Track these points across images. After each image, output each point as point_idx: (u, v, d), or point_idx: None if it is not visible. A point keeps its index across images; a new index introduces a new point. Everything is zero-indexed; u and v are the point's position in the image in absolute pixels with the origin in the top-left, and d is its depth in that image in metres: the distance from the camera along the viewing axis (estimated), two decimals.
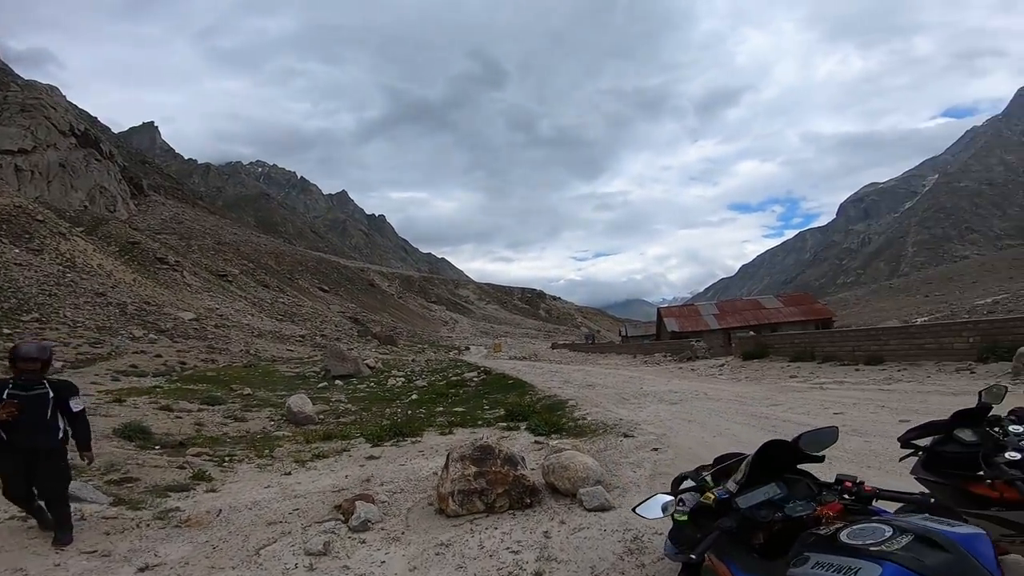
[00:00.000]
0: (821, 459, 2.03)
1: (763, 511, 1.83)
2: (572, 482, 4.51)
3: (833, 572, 1.42)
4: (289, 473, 6.49)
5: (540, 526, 4.11)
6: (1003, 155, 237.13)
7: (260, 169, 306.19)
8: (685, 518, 2.68)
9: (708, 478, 2.81)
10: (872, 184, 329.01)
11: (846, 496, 1.82)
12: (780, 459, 2.02)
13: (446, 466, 4.65)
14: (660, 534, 3.65)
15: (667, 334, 39.24)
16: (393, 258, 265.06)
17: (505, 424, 8.96)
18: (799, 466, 2.06)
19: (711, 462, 3.06)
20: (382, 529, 4.32)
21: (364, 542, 4.09)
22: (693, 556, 1.81)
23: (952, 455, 2.38)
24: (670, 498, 2.23)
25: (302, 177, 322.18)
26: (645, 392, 11.82)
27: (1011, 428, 2.33)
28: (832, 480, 1.93)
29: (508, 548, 3.78)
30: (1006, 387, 2.68)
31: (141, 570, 3.77)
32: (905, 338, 13.32)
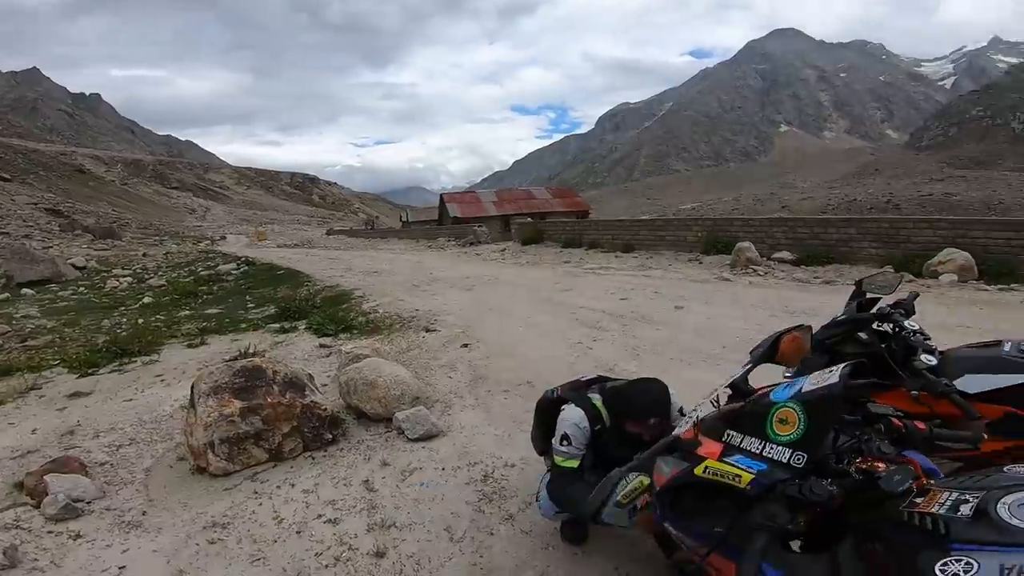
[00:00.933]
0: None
1: (817, 484, 1.19)
2: (384, 403, 3.61)
3: None
4: None
5: (356, 473, 3.12)
6: (720, 95, 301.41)
7: None
8: (575, 464, 2.08)
9: (599, 404, 2.19)
10: (625, 103, 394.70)
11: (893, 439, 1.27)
12: None
13: (192, 405, 3.27)
14: (513, 466, 3.05)
15: (449, 219, 39.66)
16: (114, 140, 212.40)
17: (278, 325, 7.44)
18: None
19: (589, 377, 2.48)
20: (107, 510, 2.87)
21: (80, 536, 2.64)
22: None
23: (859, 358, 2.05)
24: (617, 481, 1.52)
25: None
26: (436, 278, 11.38)
27: (907, 324, 1.97)
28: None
29: (320, 516, 2.73)
30: (901, 275, 2.33)
31: None
32: (652, 230, 15.49)
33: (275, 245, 35.16)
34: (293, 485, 3.03)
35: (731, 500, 1.36)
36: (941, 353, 1.94)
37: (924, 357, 1.84)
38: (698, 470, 1.41)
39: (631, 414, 2.07)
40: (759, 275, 9.68)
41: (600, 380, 2.39)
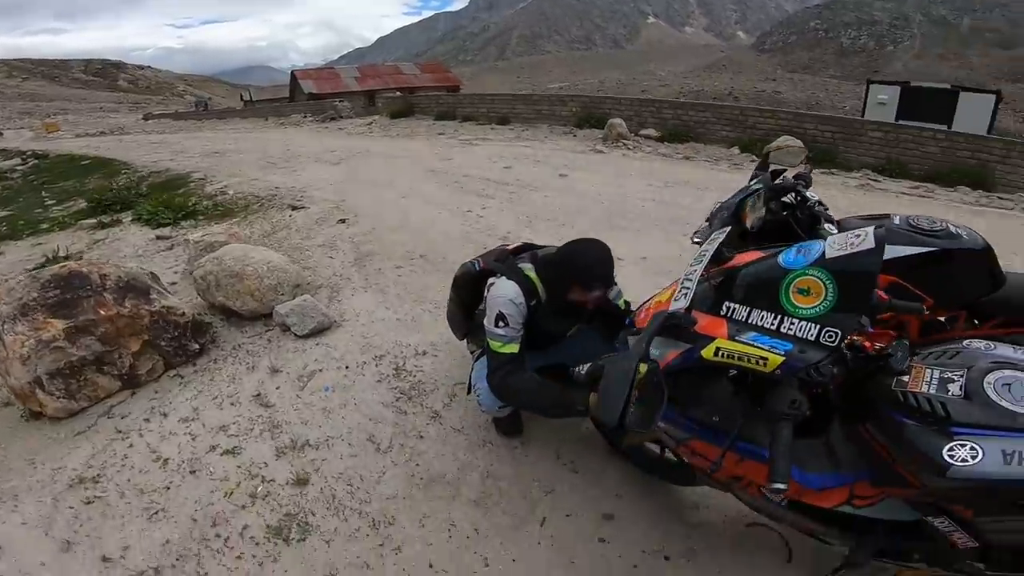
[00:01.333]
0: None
1: (822, 364, 1.05)
2: (258, 297, 2.97)
3: None
4: None
5: (242, 388, 2.55)
6: None
7: None
8: (515, 349, 1.82)
9: (533, 275, 1.87)
10: None
11: None
12: None
13: None
14: (425, 354, 2.71)
15: (303, 96, 35.25)
16: None
17: (94, 220, 6.07)
18: None
19: (515, 244, 2.13)
20: None
21: None
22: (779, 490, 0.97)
23: (767, 226, 1.96)
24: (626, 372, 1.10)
25: None
26: (295, 153, 9.90)
27: (808, 195, 2.00)
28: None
29: (214, 448, 2.21)
30: (804, 149, 2.37)
31: None
32: (529, 104, 15.33)
33: (72, 135, 28.47)
34: (165, 415, 2.44)
35: (728, 384, 1.21)
36: (838, 222, 2.00)
37: (827, 227, 1.90)
38: (706, 352, 1.17)
39: (576, 282, 1.77)
40: (629, 149, 10.05)
41: (527, 248, 2.08)
